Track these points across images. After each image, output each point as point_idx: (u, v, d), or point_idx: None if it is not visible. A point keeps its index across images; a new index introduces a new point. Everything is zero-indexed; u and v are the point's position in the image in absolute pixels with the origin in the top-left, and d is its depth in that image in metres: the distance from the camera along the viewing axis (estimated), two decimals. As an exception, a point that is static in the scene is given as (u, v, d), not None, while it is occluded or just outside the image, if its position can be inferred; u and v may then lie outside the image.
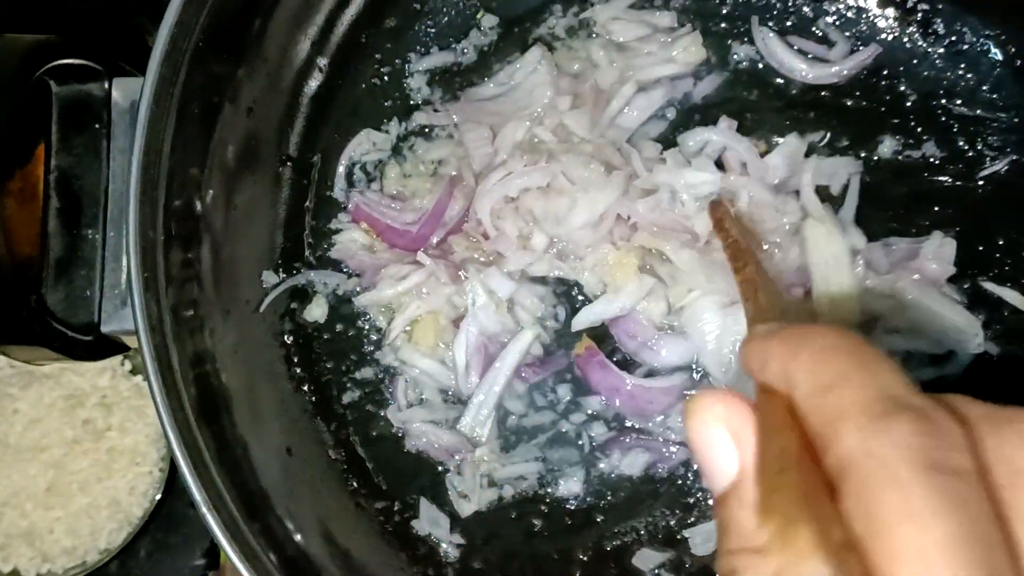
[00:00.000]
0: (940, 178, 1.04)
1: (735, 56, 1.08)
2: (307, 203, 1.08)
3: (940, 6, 1.05)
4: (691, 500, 1.01)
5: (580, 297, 1.04)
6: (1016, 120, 1.04)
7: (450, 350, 1.02)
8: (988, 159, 1.04)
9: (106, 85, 0.87)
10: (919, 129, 1.05)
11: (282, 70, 1.03)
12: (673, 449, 1.01)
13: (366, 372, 1.05)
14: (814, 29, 1.07)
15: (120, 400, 1.24)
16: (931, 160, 1.04)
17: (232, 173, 0.97)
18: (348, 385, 1.06)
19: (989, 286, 1.02)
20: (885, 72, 1.06)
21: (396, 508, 1.04)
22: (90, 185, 0.86)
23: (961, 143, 1.04)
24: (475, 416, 1.01)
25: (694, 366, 1.02)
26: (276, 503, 0.91)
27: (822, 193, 1.02)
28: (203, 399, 0.86)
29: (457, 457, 1.03)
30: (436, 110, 1.08)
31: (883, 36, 1.06)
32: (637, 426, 1.02)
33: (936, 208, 1.04)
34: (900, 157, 1.05)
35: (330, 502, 1.01)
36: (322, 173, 1.08)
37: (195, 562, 1.26)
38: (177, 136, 0.85)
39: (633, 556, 1.00)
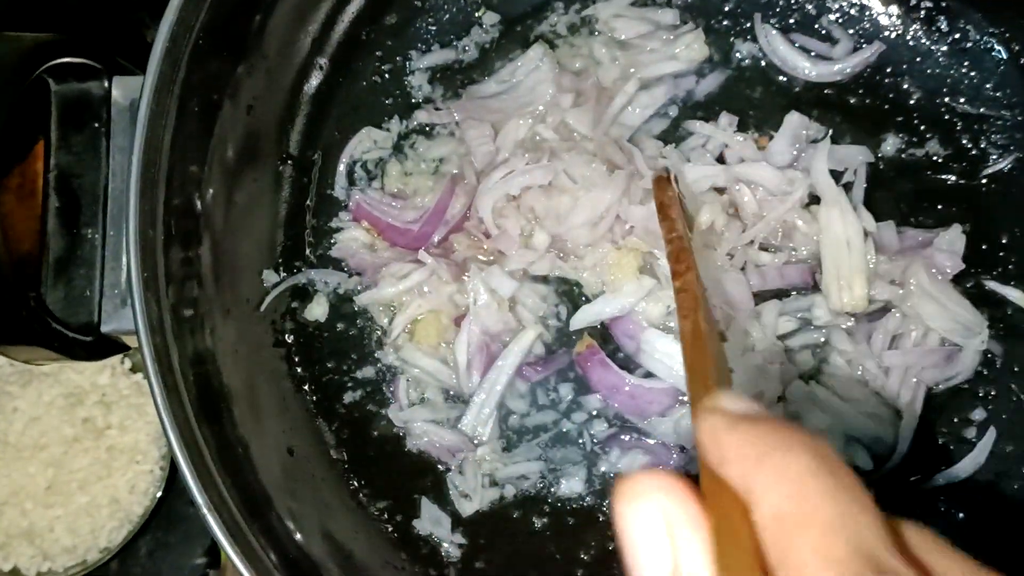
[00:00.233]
0: (944, 176, 1.04)
1: (738, 54, 1.07)
2: (308, 201, 1.07)
3: (944, 4, 1.05)
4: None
5: (581, 296, 1.04)
6: (1020, 118, 1.04)
7: (452, 349, 1.02)
8: (992, 157, 1.04)
9: (105, 84, 0.87)
10: (923, 127, 1.04)
11: (282, 67, 1.03)
12: (673, 454, 1.01)
13: (367, 371, 1.05)
14: (817, 27, 1.07)
15: (120, 398, 1.23)
16: (935, 158, 1.04)
17: (232, 171, 0.96)
18: (349, 384, 1.05)
19: (993, 285, 1.01)
20: (888, 70, 1.05)
21: (397, 508, 1.03)
22: (89, 184, 0.86)
23: (965, 141, 1.04)
24: (477, 415, 1.01)
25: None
26: (277, 503, 0.90)
27: (832, 177, 1.01)
28: (203, 399, 0.86)
29: (459, 456, 1.02)
30: (437, 108, 1.07)
31: (886, 34, 1.06)
32: (640, 425, 1.02)
33: (940, 206, 1.03)
34: (904, 155, 1.04)
35: (331, 502, 1.01)
36: (323, 171, 1.08)
37: (196, 560, 1.26)
38: (177, 134, 0.85)
39: (635, 555, 1.00)
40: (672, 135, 1.06)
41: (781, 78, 1.07)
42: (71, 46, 0.83)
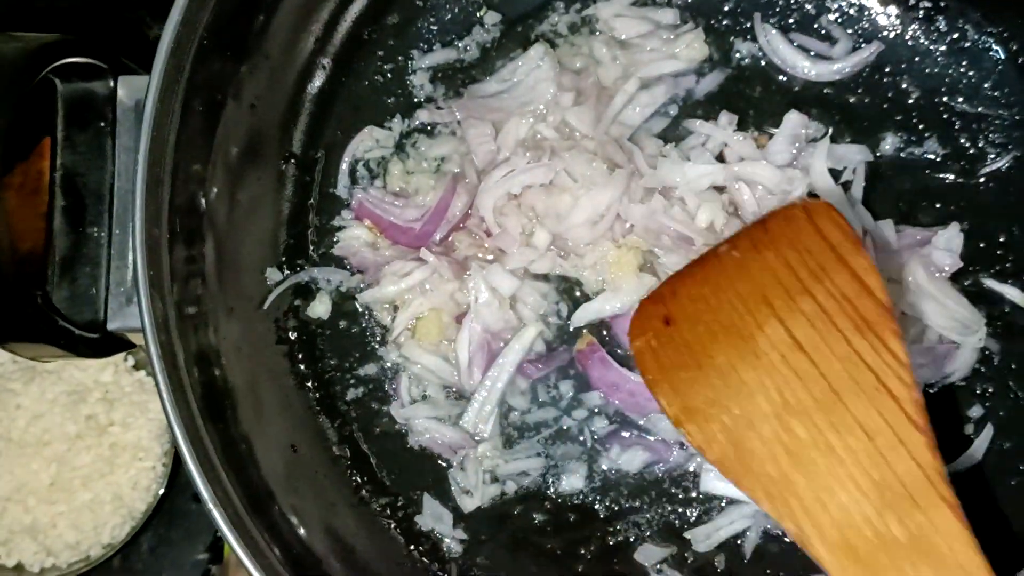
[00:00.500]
0: (942, 175, 1.05)
1: (737, 53, 1.08)
2: (310, 200, 1.08)
3: (943, 3, 1.05)
4: (692, 496, 1.02)
5: (582, 294, 1.04)
6: (1018, 117, 1.04)
7: (453, 347, 1.02)
8: (990, 156, 1.04)
9: (111, 83, 0.87)
10: (921, 126, 1.05)
11: (285, 67, 1.04)
12: (673, 451, 1.02)
13: (369, 369, 1.06)
14: (816, 26, 1.07)
15: (122, 395, 1.24)
16: (933, 157, 1.05)
17: (236, 170, 0.97)
18: (351, 382, 1.06)
19: (991, 283, 1.02)
20: (887, 69, 1.06)
21: (400, 504, 1.04)
22: (95, 183, 0.87)
23: (963, 140, 1.05)
24: (478, 412, 1.02)
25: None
26: (280, 499, 0.91)
27: (831, 176, 1.02)
28: (208, 396, 0.87)
29: (460, 453, 1.03)
30: (439, 107, 1.08)
31: (885, 33, 1.06)
32: (640, 422, 1.02)
33: (938, 205, 1.04)
34: (902, 154, 1.05)
35: (334, 498, 1.02)
36: (325, 170, 1.08)
37: (198, 556, 1.27)
38: (181, 133, 0.86)
39: (635, 551, 1.01)
40: (672, 134, 1.07)
41: (781, 77, 1.07)
42: (77, 46, 0.84)
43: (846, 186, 1.02)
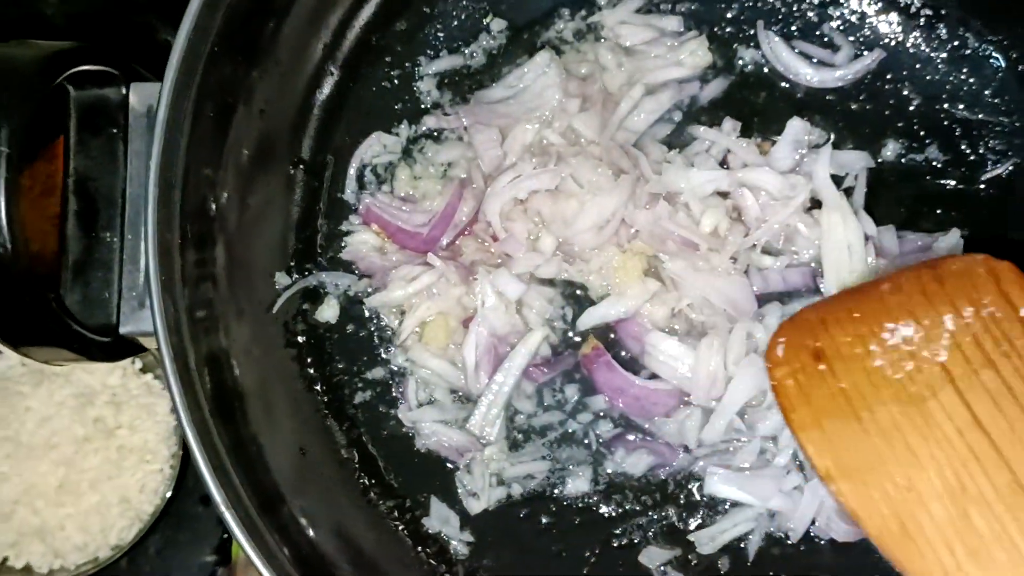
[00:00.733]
0: (943, 181, 1.06)
1: (741, 60, 1.09)
2: (319, 205, 1.09)
3: (943, 12, 1.06)
4: (696, 499, 1.03)
5: (587, 299, 1.05)
6: (1018, 124, 1.05)
7: (460, 351, 1.03)
8: (990, 163, 1.05)
9: (123, 90, 0.88)
10: (922, 133, 1.06)
11: (295, 72, 1.05)
12: (679, 455, 1.03)
13: (377, 372, 1.07)
14: (819, 34, 1.09)
15: (130, 398, 1.25)
16: (934, 163, 1.06)
17: (246, 175, 0.98)
18: (359, 385, 1.07)
19: (991, 288, 1.03)
20: (889, 76, 1.07)
21: (407, 506, 1.05)
22: (107, 188, 0.88)
23: (964, 147, 1.06)
24: (484, 416, 1.02)
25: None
26: (290, 500, 0.92)
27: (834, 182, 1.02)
28: (219, 399, 0.87)
29: (467, 456, 1.04)
30: (446, 113, 1.09)
31: (887, 41, 1.08)
32: (645, 426, 1.03)
33: (939, 211, 1.05)
34: (904, 160, 1.06)
35: (342, 500, 1.03)
36: (334, 175, 1.09)
37: (204, 558, 1.27)
38: (193, 139, 0.87)
39: (640, 553, 1.02)
40: (676, 140, 1.08)
41: (783, 84, 1.08)
42: (90, 54, 0.85)
43: (848, 192, 1.03)
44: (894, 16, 1.08)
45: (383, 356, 1.07)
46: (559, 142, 1.05)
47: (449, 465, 1.05)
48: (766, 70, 1.08)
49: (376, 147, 1.09)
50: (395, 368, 1.06)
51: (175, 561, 1.27)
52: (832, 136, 1.05)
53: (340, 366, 1.07)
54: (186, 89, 0.86)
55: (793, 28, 1.09)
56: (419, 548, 1.03)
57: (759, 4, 1.09)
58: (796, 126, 1.04)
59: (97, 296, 0.87)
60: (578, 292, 1.06)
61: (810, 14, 1.09)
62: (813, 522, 0.99)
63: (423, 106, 1.10)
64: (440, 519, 1.03)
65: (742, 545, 1.01)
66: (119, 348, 0.88)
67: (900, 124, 1.07)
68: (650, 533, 1.03)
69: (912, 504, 0.68)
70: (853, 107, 1.07)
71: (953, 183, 1.06)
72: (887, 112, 1.07)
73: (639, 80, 1.06)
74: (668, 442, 1.03)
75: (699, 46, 1.07)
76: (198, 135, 0.88)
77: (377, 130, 1.09)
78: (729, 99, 1.08)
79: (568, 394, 1.05)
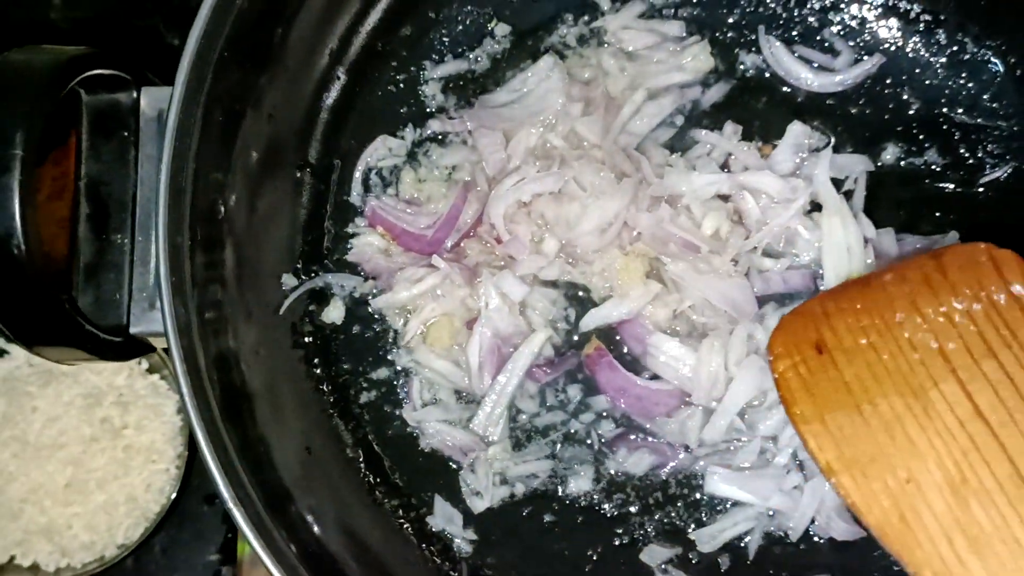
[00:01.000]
0: (942, 184, 1.07)
1: (742, 65, 1.10)
2: (325, 208, 1.10)
3: (942, 17, 1.07)
4: (697, 498, 1.04)
5: (590, 300, 1.06)
6: (1016, 128, 1.06)
7: (464, 351, 1.04)
8: (989, 166, 1.06)
9: (134, 95, 0.89)
10: (921, 136, 1.07)
11: (303, 78, 1.06)
12: (680, 454, 1.04)
13: (382, 373, 1.08)
14: (819, 39, 1.09)
15: (137, 398, 1.25)
16: (933, 167, 1.07)
17: (254, 178, 0.99)
18: (365, 385, 1.08)
19: (989, 290, 1.04)
20: (888, 81, 1.08)
21: (412, 504, 1.06)
22: (118, 191, 0.89)
23: (963, 150, 1.07)
24: (488, 415, 1.03)
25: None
26: (297, 499, 0.93)
27: (833, 185, 1.03)
28: (227, 398, 0.88)
29: (470, 455, 1.05)
30: (450, 117, 1.10)
31: (886, 46, 1.09)
32: (647, 426, 1.04)
33: (938, 214, 1.06)
34: (903, 164, 1.07)
35: (349, 498, 1.04)
36: (340, 178, 1.10)
37: (209, 557, 1.28)
38: (203, 142, 0.88)
39: (641, 552, 1.03)
40: (678, 144, 1.09)
41: (784, 88, 1.09)
42: (102, 59, 0.86)
43: (848, 195, 1.03)
44: (894, 21, 1.09)
45: (388, 357, 1.08)
46: (562, 146, 1.06)
47: (453, 464, 1.06)
48: (767, 74, 1.09)
49: (382, 150, 1.10)
50: (400, 368, 1.07)
51: (180, 560, 1.27)
52: (832, 140, 1.06)
53: (346, 366, 1.08)
54: (196, 94, 0.87)
55: (794, 33, 1.10)
56: (423, 546, 1.04)
57: (760, 9, 1.10)
58: (796, 130, 1.05)
59: (108, 297, 0.88)
60: (581, 294, 1.07)
61: (811, 19, 1.10)
62: (813, 521, 1.00)
63: (428, 110, 1.11)
64: (444, 517, 1.04)
65: (742, 544, 1.02)
66: (130, 348, 0.89)
67: (899, 128, 1.07)
68: (651, 532, 1.04)
69: (912, 495, 0.68)
70: (853, 111, 1.08)
71: (952, 186, 1.06)
72: (887, 116, 1.08)
73: (641, 84, 1.07)
74: (669, 442, 1.04)
75: (701, 51, 1.08)
76: (207, 139, 0.89)
77: (383, 134, 1.10)
78: (730, 103, 1.09)
79: (571, 394, 1.06)
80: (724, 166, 1.06)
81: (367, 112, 1.11)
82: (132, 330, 0.88)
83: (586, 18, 1.11)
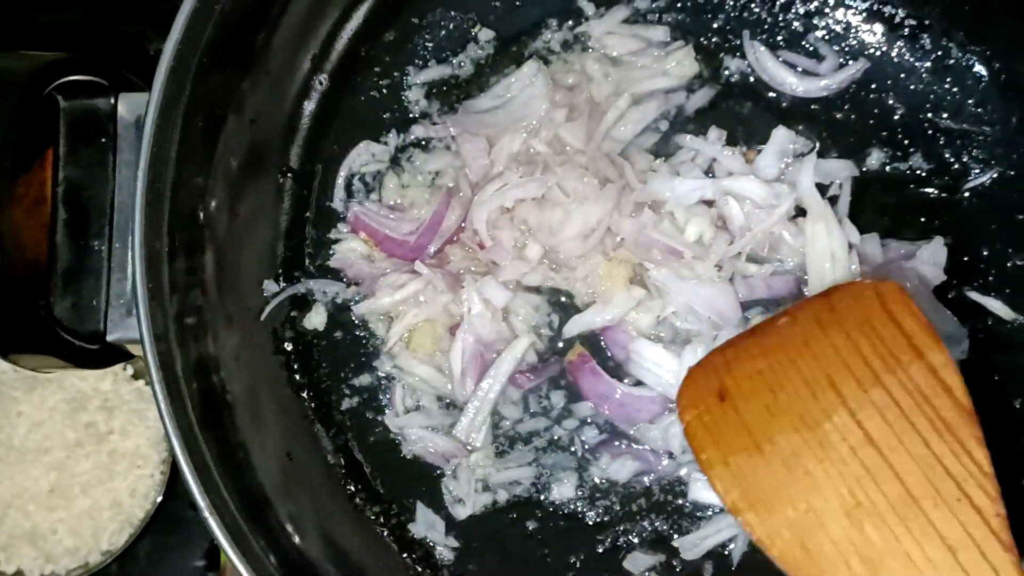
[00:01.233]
0: (927, 190, 1.06)
1: (727, 70, 1.10)
2: (308, 213, 1.10)
3: (927, 23, 1.07)
4: (681, 505, 1.04)
5: (573, 306, 1.06)
6: (1001, 134, 1.06)
7: (447, 357, 1.04)
8: (974, 171, 1.06)
9: (112, 100, 0.89)
10: (906, 142, 1.07)
11: (284, 82, 1.05)
12: (663, 461, 1.03)
13: (364, 379, 1.08)
14: (804, 44, 1.09)
15: (121, 403, 1.25)
16: (918, 172, 1.06)
17: (235, 184, 0.99)
18: (347, 391, 1.08)
19: (974, 295, 1.04)
20: (873, 86, 1.08)
21: (393, 511, 1.06)
22: (97, 197, 0.89)
23: (947, 156, 1.06)
24: (471, 422, 1.03)
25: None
26: (277, 506, 0.93)
27: (818, 191, 1.03)
28: (206, 405, 0.88)
29: (453, 462, 1.05)
30: (434, 122, 1.10)
31: (871, 51, 1.08)
32: (630, 432, 1.04)
33: (923, 219, 1.06)
34: (888, 169, 1.07)
35: (329, 506, 1.03)
36: (322, 184, 1.10)
37: (195, 563, 1.27)
38: (182, 148, 0.88)
39: (625, 559, 1.02)
40: (663, 149, 1.08)
41: (769, 93, 1.09)
42: (80, 64, 0.86)
43: (833, 200, 1.03)
44: (879, 27, 1.08)
45: (370, 363, 1.07)
46: (546, 151, 1.06)
47: (435, 471, 1.06)
48: (752, 80, 1.09)
49: (364, 156, 1.10)
50: (382, 375, 1.07)
51: (165, 566, 1.27)
52: (817, 145, 1.06)
53: (327, 372, 1.08)
54: (175, 99, 0.86)
55: (779, 38, 1.09)
56: (405, 554, 1.04)
57: (745, 14, 1.10)
58: (781, 135, 1.05)
59: (87, 304, 0.88)
60: (564, 300, 1.06)
61: (796, 24, 1.09)
62: (797, 528, 1.00)
63: (411, 115, 1.11)
64: (426, 524, 1.04)
65: (726, 551, 1.02)
66: (107, 355, 0.89)
67: (884, 133, 1.07)
68: (635, 539, 1.03)
69: (812, 524, 0.70)
70: (838, 116, 1.08)
71: (936, 192, 1.06)
72: (871, 121, 1.08)
73: (625, 90, 1.07)
74: (653, 448, 1.03)
75: (685, 56, 1.08)
76: (187, 145, 0.88)
77: (366, 139, 1.10)
78: (715, 108, 1.09)
79: (554, 400, 1.06)
80: (708, 171, 1.06)
81: (350, 117, 1.11)
82: (109, 337, 0.87)
83: (570, 23, 1.11)
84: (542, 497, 1.04)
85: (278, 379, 1.06)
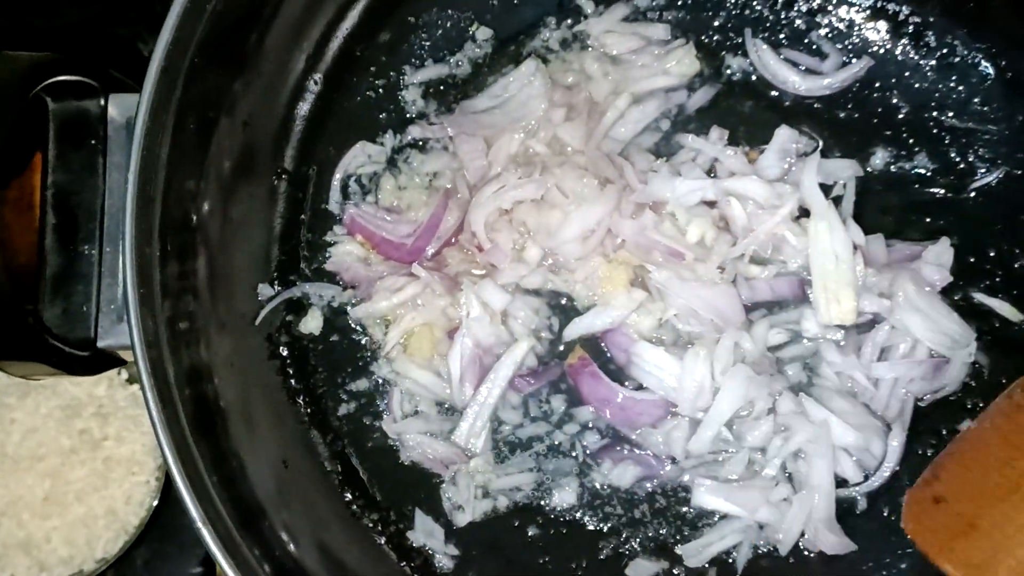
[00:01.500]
0: (932, 190, 1.05)
1: (728, 68, 1.08)
2: (303, 216, 1.09)
3: (931, 19, 1.06)
4: (684, 511, 1.02)
5: (573, 309, 1.05)
6: (1007, 132, 1.05)
7: (445, 362, 1.03)
8: (980, 171, 1.05)
9: (102, 102, 0.88)
10: (911, 141, 1.06)
11: (278, 83, 1.04)
12: (666, 466, 1.02)
13: (361, 384, 1.06)
14: (807, 42, 1.08)
15: (117, 409, 1.24)
16: (923, 171, 1.05)
17: (228, 186, 0.98)
18: (343, 397, 1.07)
19: (981, 297, 1.03)
20: (877, 84, 1.07)
21: (391, 519, 1.05)
22: (87, 201, 0.87)
23: (953, 155, 1.05)
24: (470, 427, 1.02)
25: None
26: (271, 514, 0.92)
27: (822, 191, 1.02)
28: (199, 412, 0.87)
29: (452, 468, 1.03)
30: (431, 123, 1.09)
31: (875, 49, 1.07)
32: (632, 437, 1.03)
33: (928, 219, 1.05)
34: (892, 168, 1.06)
35: (325, 514, 1.02)
36: (317, 186, 1.09)
37: (192, 570, 1.26)
38: (174, 150, 0.86)
39: (627, 566, 1.01)
40: (663, 149, 1.07)
41: (771, 92, 1.08)
42: (68, 65, 0.84)
43: (836, 201, 1.02)
44: (882, 24, 1.07)
45: (367, 367, 1.06)
46: (544, 152, 1.05)
47: (434, 478, 1.04)
48: (754, 78, 1.08)
49: (360, 157, 1.09)
50: (379, 379, 1.06)
51: (162, 573, 1.26)
52: (820, 144, 1.05)
53: (324, 378, 1.07)
54: (166, 101, 0.85)
55: (781, 36, 1.08)
56: (403, 562, 1.03)
57: (747, 12, 1.09)
58: (783, 134, 1.04)
59: (77, 310, 0.87)
60: (564, 302, 1.05)
61: (798, 22, 1.08)
62: (802, 534, 0.98)
63: (408, 116, 1.10)
64: (425, 532, 1.03)
65: (730, 559, 1.01)
66: (98, 362, 0.88)
67: (888, 132, 1.06)
68: (637, 546, 1.02)
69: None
70: (841, 115, 1.07)
71: (942, 191, 1.05)
72: (875, 120, 1.06)
73: (625, 89, 1.06)
74: (655, 453, 1.02)
75: (686, 54, 1.07)
76: (179, 147, 0.87)
77: (361, 140, 1.09)
78: (716, 108, 1.08)
79: (554, 405, 1.04)
80: (710, 171, 1.05)
81: (345, 118, 1.10)
82: (100, 343, 0.86)
83: (569, 22, 1.10)
84: (543, 503, 1.03)
85: (273, 385, 1.05)
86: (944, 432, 1.02)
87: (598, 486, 1.03)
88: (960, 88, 1.06)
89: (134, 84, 0.94)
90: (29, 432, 1.22)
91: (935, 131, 1.05)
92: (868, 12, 1.07)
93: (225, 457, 0.89)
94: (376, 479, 1.06)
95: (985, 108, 1.05)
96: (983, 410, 1.00)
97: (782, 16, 1.08)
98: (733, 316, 1.00)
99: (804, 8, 1.08)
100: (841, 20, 1.08)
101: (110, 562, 1.20)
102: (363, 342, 1.07)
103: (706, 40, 1.09)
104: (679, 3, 1.09)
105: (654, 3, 1.09)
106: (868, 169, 1.05)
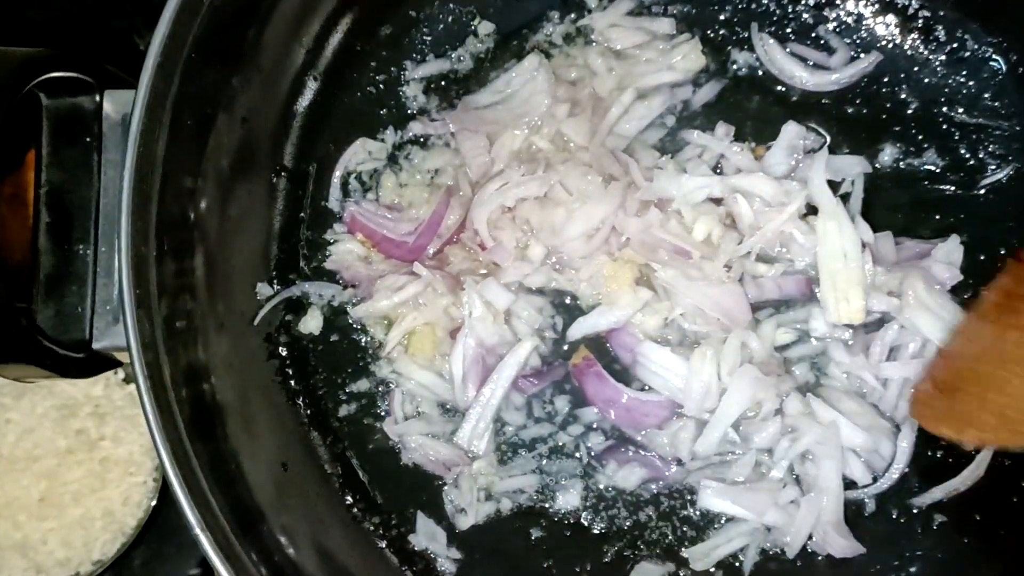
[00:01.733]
0: (941, 186, 1.04)
1: (735, 63, 1.07)
2: (302, 214, 1.07)
3: (941, 13, 1.05)
4: (690, 514, 1.01)
5: (577, 308, 1.04)
6: (1018, 128, 1.04)
7: (447, 362, 1.02)
8: (990, 167, 1.04)
9: (97, 98, 0.86)
10: (920, 137, 1.04)
11: (277, 79, 1.03)
12: (671, 468, 1.01)
13: (362, 384, 1.05)
14: (814, 36, 1.07)
15: (113, 409, 1.23)
16: (933, 168, 1.04)
17: (226, 184, 0.96)
18: (344, 398, 1.06)
19: (991, 296, 1.01)
20: (886, 79, 1.05)
21: (393, 522, 1.04)
22: (81, 199, 0.86)
23: (963, 151, 1.04)
24: (473, 428, 1.01)
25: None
26: (270, 518, 0.91)
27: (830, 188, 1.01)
28: (196, 415, 0.86)
29: (454, 470, 1.02)
30: (432, 119, 1.08)
31: (884, 43, 1.06)
32: (637, 438, 1.02)
33: (938, 216, 1.03)
34: (901, 165, 1.04)
35: (326, 517, 1.01)
36: (317, 183, 1.08)
37: (190, 571, 1.26)
38: (170, 147, 0.85)
39: (632, 570, 1.00)
40: (669, 145, 1.06)
41: (778, 88, 1.07)
42: (62, 60, 0.83)
43: (845, 198, 1.01)
44: (891, 18, 1.06)
45: (368, 368, 1.05)
46: (548, 148, 1.04)
47: (436, 480, 1.04)
48: (760, 73, 1.07)
49: (361, 154, 1.07)
50: (380, 380, 1.05)
51: (159, 574, 1.25)
52: (828, 140, 1.04)
53: (324, 378, 1.06)
54: (163, 97, 0.84)
55: (788, 30, 1.07)
56: (405, 566, 1.02)
57: (753, 6, 1.07)
58: (791, 131, 1.03)
59: (71, 311, 0.86)
60: (568, 301, 1.04)
61: (805, 16, 1.07)
62: (810, 537, 0.98)
63: (409, 111, 1.09)
64: (427, 535, 1.02)
65: (737, 562, 1.00)
66: (94, 364, 0.87)
67: (897, 128, 1.05)
68: (643, 549, 1.01)
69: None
70: (849, 111, 1.06)
71: (952, 188, 1.04)
72: (884, 116, 1.05)
73: (630, 84, 1.05)
74: (661, 455, 1.01)
75: (692, 49, 1.06)
76: (176, 144, 0.86)
77: (362, 136, 1.08)
78: (722, 103, 1.07)
79: (558, 406, 1.03)
80: (716, 168, 1.04)
81: (345, 114, 1.08)
82: (95, 345, 0.85)
83: (572, 16, 1.09)
84: (547, 506, 1.02)
85: (272, 386, 1.04)
86: (954, 433, 1.01)
87: (603, 488, 1.02)
88: (970, 83, 1.04)
89: (130, 79, 0.93)
90: (25, 432, 1.21)
91: (945, 127, 1.04)
92: (877, 6, 1.06)
93: (223, 460, 0.88)
94: (377, 481, 1.05)
95: (996, 104, 1.04)
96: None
97: (789, 10, 1.07)
98: (740, 315, 0.99)
99: (811, 2, 1.07)
100: (849, 14, 1.06)
101: (107, 564, 1.19)
102: (364, 342, 1.06)
103: (712, 35, 1.08)
104: (684, -3, 1.08)
105: (659, -3, 1.08)
106: (877, 166, 1.04)
